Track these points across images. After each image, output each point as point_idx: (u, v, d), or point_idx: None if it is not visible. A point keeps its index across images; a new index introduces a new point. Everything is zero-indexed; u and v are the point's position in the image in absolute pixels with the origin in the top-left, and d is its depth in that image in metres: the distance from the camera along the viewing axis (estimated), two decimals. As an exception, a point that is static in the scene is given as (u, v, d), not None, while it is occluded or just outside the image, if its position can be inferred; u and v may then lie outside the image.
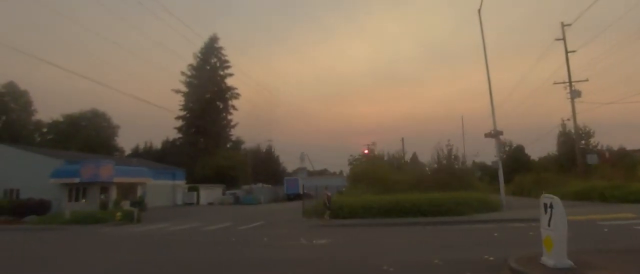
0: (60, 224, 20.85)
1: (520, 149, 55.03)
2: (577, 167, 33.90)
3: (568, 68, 33.74)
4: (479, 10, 22.87)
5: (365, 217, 17.43)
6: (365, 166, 28.47)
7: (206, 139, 57.26)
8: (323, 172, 72.07)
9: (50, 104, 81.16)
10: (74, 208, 24.58)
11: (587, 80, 33.66)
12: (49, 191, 25.55)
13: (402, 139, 48.41)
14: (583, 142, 38.67)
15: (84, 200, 25.96)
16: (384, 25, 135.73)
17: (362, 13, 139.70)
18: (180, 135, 59.38)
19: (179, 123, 59.02)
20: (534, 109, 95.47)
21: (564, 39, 33.67)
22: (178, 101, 59.17)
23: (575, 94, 33.82)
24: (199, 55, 59.89)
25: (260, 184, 54.68)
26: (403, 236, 12.55)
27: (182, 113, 58.83)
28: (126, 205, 27.28)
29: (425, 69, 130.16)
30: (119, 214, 21.90)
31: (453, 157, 30.44)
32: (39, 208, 22.92)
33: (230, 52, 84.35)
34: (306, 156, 69.44)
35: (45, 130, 52.63)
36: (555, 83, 34.36)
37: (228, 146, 60.29)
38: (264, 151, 65.63)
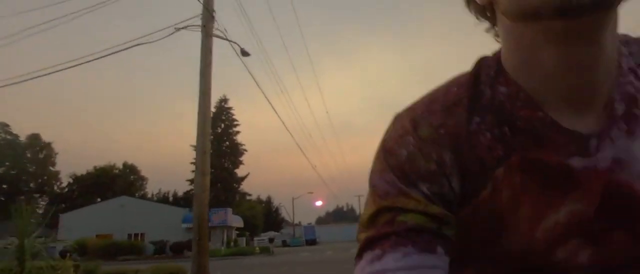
0: (221, 257, 26.95)
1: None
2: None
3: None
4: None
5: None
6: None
7: (220, 190, 62.24)
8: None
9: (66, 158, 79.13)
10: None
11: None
12: (171, 234, 30.96)
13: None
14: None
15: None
16: (336, 81, 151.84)
17: (317, 67, 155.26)
18: (192, 187, 63.52)
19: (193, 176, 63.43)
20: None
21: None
22: (192, 156, 64.28)
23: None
24: (213, 112, 66.55)
25: (272, 232, 60.98)
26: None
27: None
28: (240, 243, 33.63)
29: (376, 121, 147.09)
30: (257, 248, 28.73)
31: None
32: (190, 246, 28.47)
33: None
34: (283, 207, 76.74)
35: (71, 181, 54.05)
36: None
37: (237, 198, 65.67)
38: (264, 201, 71.72)
